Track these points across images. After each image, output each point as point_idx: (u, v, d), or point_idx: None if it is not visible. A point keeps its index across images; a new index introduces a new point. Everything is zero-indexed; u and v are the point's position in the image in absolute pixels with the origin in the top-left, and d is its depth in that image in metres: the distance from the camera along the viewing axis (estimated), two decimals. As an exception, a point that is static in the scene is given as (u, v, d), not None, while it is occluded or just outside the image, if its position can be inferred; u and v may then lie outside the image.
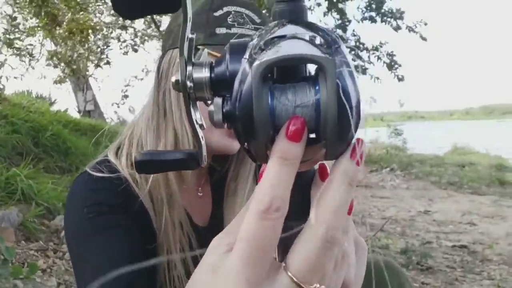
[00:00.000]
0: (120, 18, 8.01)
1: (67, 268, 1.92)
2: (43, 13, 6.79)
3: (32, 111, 3.80)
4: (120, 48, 8.35)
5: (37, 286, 1.40)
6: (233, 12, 0.70)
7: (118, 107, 9.12)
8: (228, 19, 0.69)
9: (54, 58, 8.22)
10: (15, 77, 5.98)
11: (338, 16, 7.04)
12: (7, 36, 2.91)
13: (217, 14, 0.70)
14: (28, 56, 7.69)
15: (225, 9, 0.70)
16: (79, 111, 9.09)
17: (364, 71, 6.93)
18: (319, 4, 7.25)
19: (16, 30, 3.38)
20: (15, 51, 6.76)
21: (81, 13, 6.90)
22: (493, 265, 3.09)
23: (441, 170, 8.30)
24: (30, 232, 2.08)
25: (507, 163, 8.72)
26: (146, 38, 8.76)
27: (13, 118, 3.25)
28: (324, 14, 7.09)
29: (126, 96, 8.93)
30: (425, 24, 6.63)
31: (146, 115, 0.73)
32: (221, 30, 0.69)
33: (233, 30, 0.69)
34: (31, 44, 8.04)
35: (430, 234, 4.02)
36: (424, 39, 6.65)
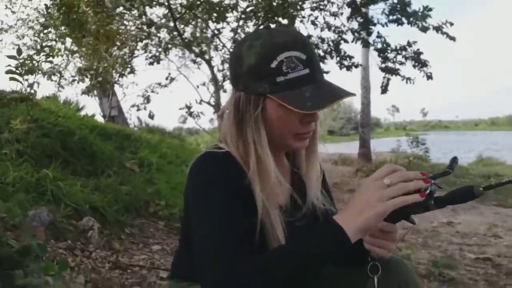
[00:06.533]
0: (145, 28, 8.22)
1: (94, 267, 1.99)
2: (70, 20, 7.01)
3: (61, 116, 3.92)
4: (146, 59, 8.53)
5: (67, 283, 1.46)
6: (285, 60, 0.88)
7: (138, 109, 9.30)
8: (283, 68, 0.88)
9: (80, 75, 8.49)
10: (47, 96, 6.18)
11: (362, 21, 7.00)
12: (34, 60, 3.04)
13: (273, 65, 0.88)
14: (58, 74, 7.94)
15: (278, 58, 0.88)
16: (103, 116, 9.30)
17: (396, 71, 6.82)
18: (341, 12, 7.26)
19: (43, 50, 3.52)
20: (42, 70, 6.99)
21: (107, 21, 7.09)
22: (518, 279, 3.01)
23: (466, 181, 8.12)
24: (59, 232, 2.16)
25: (535, 175, 8.45)
26: (170, 46, 8.92)
27: (43, 122, 3.37)
28: (348, 20, 7.10)
29: (148, 100, 9.10)
30: (451, 24, 6.47)
31: (231, 133, 0.95)
32: (280, 79, 0.88)
33: (289, 76, 0.88)
34: (57, 64, 8.33)
35: (453, 246, 3.94)
36: (452, 38, 6.49)
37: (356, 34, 7.06)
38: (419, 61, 6.62)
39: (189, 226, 0.92)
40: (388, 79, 7.04)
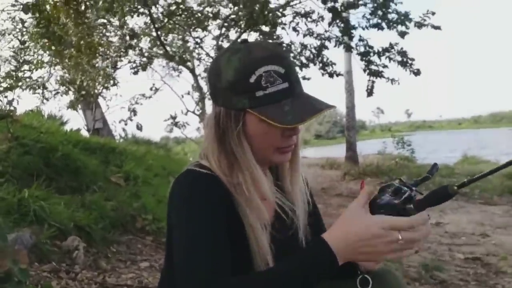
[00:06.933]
0: (128, 39, 8.16)
1: (80, 289, 1.94)
2: (50, 33, 6.94)
3: (43, 131, 3.85)
4: (131, 69, 8.47)
5: (51, 309, 1.42)
6: (263, 74, 0.88)
7: (126, 124, 9.23)
8: (262, 83, 0.88)
9: (64, 87, 8.40)
10: (30, 110, 6.08)
11: (343, 26, 7.07)
12: (15, 73, 2.96)
13: (252, 80, 0.88)
14: (41, 88, 7.83)
15: (257, 73, 0.88)
16: (88, 130, 9.19)
17: (380, 74, 6.87)
18: (322, 18, 7.33)
19: (25, 64, 3.47)
20: (24, 85, 6.89)
21: (88, 33, 7.02)
22: (508, 277, 3.03)
23: (452, 181, 8.21)
24: (43, 254, 2.10)
25: (519, 172, 8.57)
26: (153, 56, 8.88)
27: (24, 139, 3.30)
28: (329, 25, 7.16)
29: (134, 113, 9.03)
30: (433, 13, 6.53)
31: (213, 149, 0.94)
32: (260, 93, 0.88)
33: (268, 90, 0.88)
34: (41, 77, 8.22)
35: (443, 247, 3.97)
36: (437, 27, 6.55)
37: (338, 39, 7.13)
38: (404, 61, 6.69)
39: (172, 245, 0.90)
40: (373, 82, 7.10)
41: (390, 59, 6.83)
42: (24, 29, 7.67)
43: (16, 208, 2.31)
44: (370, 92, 7.22)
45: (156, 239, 2.99)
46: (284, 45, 7.45)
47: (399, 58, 6.72)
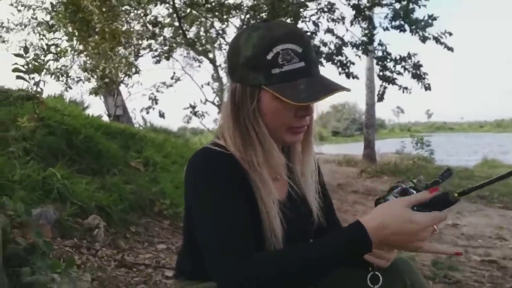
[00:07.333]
0: (150, 27, 8.25)
1: (100, 265, 2.00)
2: (77, 19, 7.06)
3: (66, 114, 3.93)
4: (153, 57, 8.57)
5: (74, 280, 1.47)
6: (280, 52, 0.88)
7: (148, 113, 9.36)
8: (279, 60, 0.88)
9: (86, 73, 8.56)
10: (54, 96, 6.20)
11: (365, 25, 7.02)
12: (41, 60, 3.00)
13: (269, 57, 0.88)
14: (65, 75, 8.02)
15: (274, 50, 0.88)
16: (108, 115, 9.34)
17: (393, 81, 6.87)
18: (343, 18, 7.28)
19: (50, 49, 3.51)
20: (49, 71, 7.04)
21: (112, 19, 7.12)
22: (524, 282, 2.99)
23: (470, 183, 8.06)
24: (65, 230, 2.17)
25: (541, 177, 8.35)
26: (175, 45, 8.96)
27: (49, 120, 3.38)
28: (351, 23, 7.10)
29: (156, 102, 9.14)
30: (450, 34, 6.50)
31: (228, 125, 0.95)
32: (276, 71, 0.88)
33: (285, 68, 0.88)
34: (64, 65, 8.42)
35: (458, 248, 3.92)
36: (450, 49, 6.53)
37: (356, 43, 7.10)
38: (417, 74, 6.68)
39: (190, 223, 0.92)
40: (385, 87, 7.13)
41: (405, 68, 6.82)
42: (54, 13, 7.83)
43: (40, 185, 2.38)
44: (381, 97, 7.28)
45: (173, 223, 3.04)
46: (308, 34, 7.41)
47: (413, 70, 6.72)
